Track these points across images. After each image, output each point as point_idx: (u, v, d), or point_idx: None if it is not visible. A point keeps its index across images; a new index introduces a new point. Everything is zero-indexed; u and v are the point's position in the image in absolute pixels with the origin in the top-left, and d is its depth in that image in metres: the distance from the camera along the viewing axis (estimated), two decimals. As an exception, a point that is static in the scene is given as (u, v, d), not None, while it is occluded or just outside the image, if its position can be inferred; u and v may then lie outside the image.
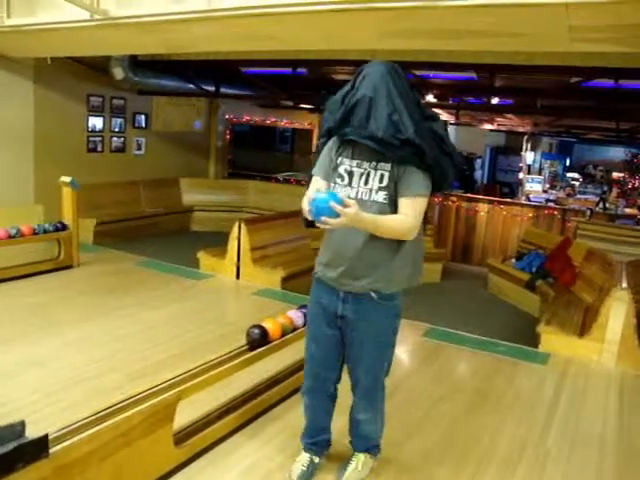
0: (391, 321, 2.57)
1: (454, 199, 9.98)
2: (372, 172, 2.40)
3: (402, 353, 4.87)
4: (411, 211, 2.34)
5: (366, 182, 2.41)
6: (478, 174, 17.67)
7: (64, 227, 6.45)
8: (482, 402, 3.89)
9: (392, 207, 2.39)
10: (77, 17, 5.29)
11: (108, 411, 2.44)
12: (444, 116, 11.31)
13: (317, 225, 2.28)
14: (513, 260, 7.95)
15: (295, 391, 3.60)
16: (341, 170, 2.47)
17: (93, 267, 6.70)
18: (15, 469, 2.01)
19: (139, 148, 9.77)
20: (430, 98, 9.68)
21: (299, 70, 8.27)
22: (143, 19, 5.02)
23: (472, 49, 5.23)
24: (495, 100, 8.62)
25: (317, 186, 2.53)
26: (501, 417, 3.68)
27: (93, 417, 2.38)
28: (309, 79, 9.42)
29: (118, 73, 8.31)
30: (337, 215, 2.16)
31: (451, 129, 12.56)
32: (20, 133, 7.95)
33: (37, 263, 6.30)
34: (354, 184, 2.43)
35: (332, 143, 2.55)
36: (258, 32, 4.93)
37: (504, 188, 16.37)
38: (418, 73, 7.97)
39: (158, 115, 10.08)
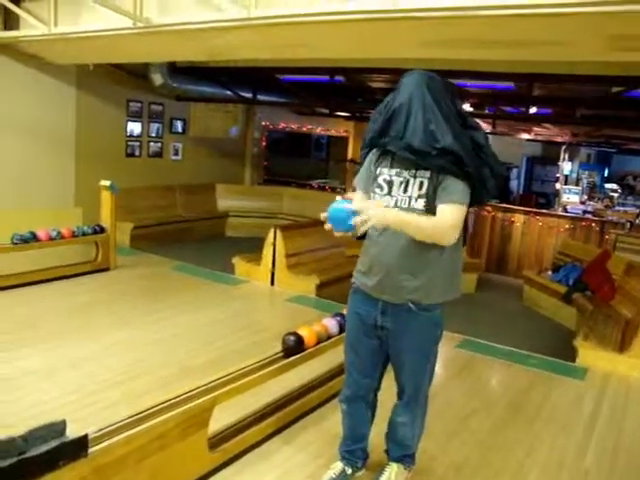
0: (432, 332, 2.54)
1: (489, 209, 9.86)
2: (411, 180, 2.38)
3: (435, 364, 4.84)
4: (448, 215, 2.29)
5: (405, 190, 2.39)
6: (514, 184, 17.46)
7: (102, 230, 6.57)
8: (516, 416, 3.83)
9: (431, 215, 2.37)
10: (120, 25, 5.41)
11: (145, 414, 2.47)
12: (480, 125, 11.23)
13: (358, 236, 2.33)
14: (549, 272, 7.83)
15: (330, 398, 3.61)
16: (380, 180, 2.46)
17: (129, 270, 6.81)
18: (57, 467, 2.05)
19: (176, 153, 9.91)
20: (467, 107, 9.63)
21: (336, 78, 8.29)
22: (184, 27, 5.10)
23: (511, 58, 5.19)
24: (533, 110, 8.51)
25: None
26: (536, 433, 3.61)
27: (130, 419, 2.41)
28: (346, 87, 9.43)
29: (157, 79, 8.45)
30: (352, 224, 2.19)
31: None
32: (62, 137, 8.14)
33: (76, 265, 6.43)
34: (393, 193, 2.41)
35: (372, 155, 2.56)
36: (296, 40, 4.97)
37: (540, 199, 16.14)
38: (456, 82, 7.92)
39: (195, 121, 10.21)
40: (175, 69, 8.55)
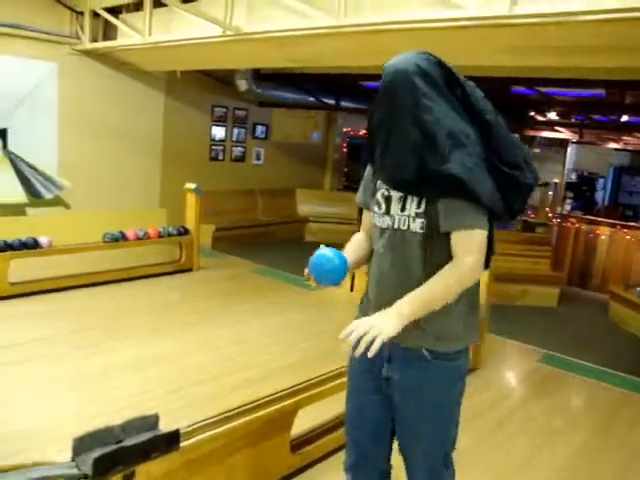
0: (452, 388, 1.94)
1: (573, 220, 9.54)
2: (409, 196, 1.88)
3: (514, 377, 4.73)
4: (464, 248, 1.79)
5: (403, 208, 1.89)
6: (599, 195, 16.80)
7: (187, 231, 6.78)
8: (604, 441, 3.66)
9: (430, 241, 1.85)
10: (210, 33, 5.59)
11: (232, 413, 2.54)
12: (566, 134, 10.88)
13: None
14: (638, 288, 7.49)
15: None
16: (378, 196, 1.97)
17: (211, 271, 7.00)
18: (150, 457, 2.14)
19: (258, 158, 10.11)
20: (552, 116, 9.37)
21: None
22: (272, 34, 5.22)
23: (604, 65, 5.01)
24: (625, 117, 8.18)
25: (365, 216, 2.13)
26: (627, 463, 3.41)
27: (218, 417, 2.48)
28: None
29: (242, 85, 8.66)
30: (341, 276, 1.88)
31: (571, 148, 12.04)
32: (150, 141, 8.47)
33: (161, 264, 6.67)
34: (392, 211, 1.92)
35: (371, 166, 2.07)
36: (385, 48, 4.97)
37: (627, 211, 15.44)
38: (544, 90, 7.73)
39: (277, 126, 10.39)
40: (259, 75, 8.74)
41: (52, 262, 5.89)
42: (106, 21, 7.21)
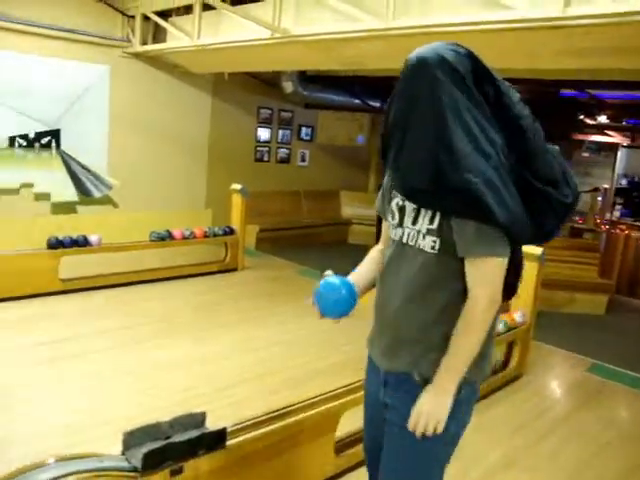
0: (446, 424, 1.66)
1: (623, 227, 9.31)
2: (423, 208, 1.67)
3: (562, 386, 4.63)
4: (476, 280, 1.58)
5: (415, 221, 1.67)
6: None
7: (232, 231, 6.85)
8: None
9: (442, 263, 1.63)
10: (258, 35, 5.64)
11: (278, 413, 2.55)
12: (617, 138, 10.62)
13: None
14: (691, 298, 7.25)
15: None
16: (393, 205, 1.76)
17: (256, 272, 7.05)
18: (197, 454, 2.17)
19: (303, 159, 10.15)
20: (602, 119, 9.17)
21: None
22: (319, 37, 5.23)
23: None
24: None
25: (383, 231, 1.93)
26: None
27: (264, 417, 2.50)
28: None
29: (288, 87, 8.70)
30: (347, 308, 1.71)
31: (622, 152, 11.72)
32: (197, 142, 8.59)
33: (206, 264, 6.76)
34: (405, 223, 1.71)
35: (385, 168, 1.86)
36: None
37: (681, 217, 14.98)
38: (593, 92, 7.57)
39: (322, 128, 10.40)
40: (305, 77, 8.77)
41: (100, 259, 6.02)
42: (156, 24, 7.35)
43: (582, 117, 9.52)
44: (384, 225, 1.91)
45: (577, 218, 9.92)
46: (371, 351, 1.88)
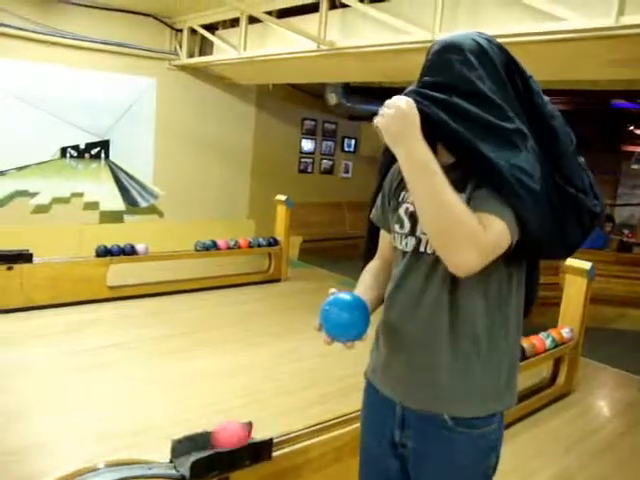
0: (481, 463, 1.52)
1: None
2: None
3: (613, 406, 4.50)
4: (485, 224, 1.32)
5: None
6: None
7: (276, 242, 6.88)
8: None
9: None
10: (304, 48, 5.68)
11: (322, 426, 2.55)
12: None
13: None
14: None
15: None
16: (401, 212, 1.56)
17: (299, 283, 7.06)
18: (243, 465, 2.17)
19: (346, 171, 10.18)
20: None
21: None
22: (365, 49, 5.24)
23: None
24: None
25: (383, 240, 1.72)
26: None
27: (309, 430, 2.50)
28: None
29: (332, 99, 8.74)
30: (362, 330, 1.44)
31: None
32: (241, 153, 8.70)
33: (250, 274, 6.81)
34: (418, 231, 1.50)
35: (392, 173, 1.66)
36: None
37: None
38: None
39: (366, 140, 10.41)
40: (349, 89, 8.80)
41: (144, 268, 6.12)
42: (203, 37, 7.49)
43: (632, 128, 9.31)
44: (383, 237, 1.71)
45: (626, 232, 9.67)
46: (376, 380, 1.63)
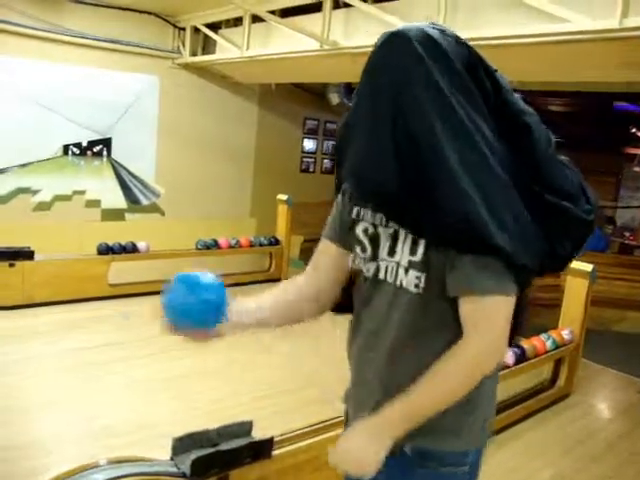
0: None
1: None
2: (402, 233, 1.26)
3: (613, 408, 4.50)
4: (474, 323, 1.19)
5: (392, 250, 1.28)
6: None
7: (277, 242, 6.89)
8: None
9: (429, 308, 1.24)
10: (307, 47, 5.68)
11: (322, 425, 2.55)
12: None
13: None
14: None
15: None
16: (359, 231, 1.35)
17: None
18: (244, 463, 2.18)
19: (347, 171, 10.17)
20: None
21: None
22: (368, 49, 5.21)
23: None
24: None
25: (322, 253, 1.50)
26: None
27: (309, 428, 2.50)
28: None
29: (334, 98, 8.75)
30: (214, 318, 1.32)
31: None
32: (243, 152, 8.70)
33: (251, 273, 6.80)
34: (380, 255, 1.30)
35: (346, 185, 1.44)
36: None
37: None
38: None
39: (367, 140, 10.40)
40: (352, 89, 8.79)
41: (144, 266, 6.12)
42: (206, 36, 7.49)
43: (634, 130, 9.31)
44: (325, 247, 1.48)
45: (628, 234, 9.67)
46: (348, 414, 1.51)
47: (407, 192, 1.18)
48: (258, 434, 2.27)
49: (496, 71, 1.26)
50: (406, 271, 1.24)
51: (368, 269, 1.34)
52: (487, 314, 1.18)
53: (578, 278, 4.21)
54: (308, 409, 3.48)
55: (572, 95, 6.76)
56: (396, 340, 1.27)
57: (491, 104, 1.23)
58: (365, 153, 1.24)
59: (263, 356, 4.60)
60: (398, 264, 1.26)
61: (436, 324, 1.24)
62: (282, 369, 4.37)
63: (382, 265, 1.29)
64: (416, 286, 1.23)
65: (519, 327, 1.30)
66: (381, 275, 1.30)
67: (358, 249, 1.36)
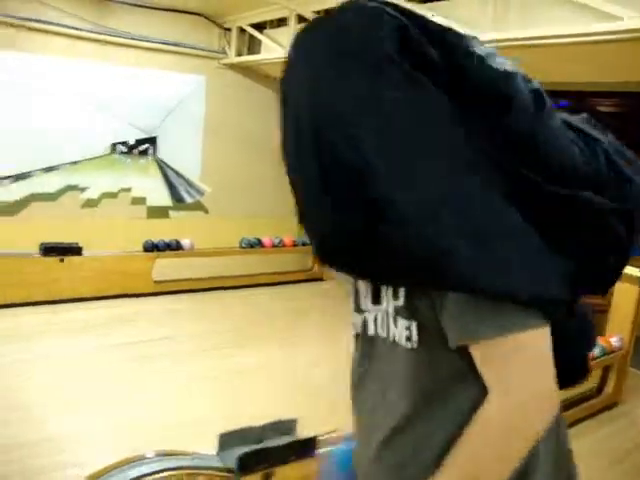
0: None
1: None
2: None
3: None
4: (497, 377, 0.87)
5: (376, 298, 1.02)
6: None
7: (317, 241, 6.88)
8: None
9: (432, 365, 0.94)
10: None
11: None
12: None
13: None
14: None
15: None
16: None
17: (340, 282, 7.03)
18: (288, 460, 2.19)
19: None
20: None
21: (562, 102, 7.91)
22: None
23: None
24: None
25: None
26: None
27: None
28: (573, 111, 8.96)
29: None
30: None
31: None
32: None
33: (294, 272, 6.84)
34: (362, 304, 1.07)
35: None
36: (531, 64, 4.81)
37: None
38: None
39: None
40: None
41: (188, 263, 6.21)
42: (251, 36, 7.55)
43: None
44: None
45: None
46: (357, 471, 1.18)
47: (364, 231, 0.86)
48: (309, 432, 2.28)
49: (448, 31, 0.90)
50: (395, 320, 0.96)
51: (356, 324, 1.09)
52: (506, 360, 0.85)
53: (627, 283, 4.10)
54: (340, 410, 3.46)
55: (624, 95, 6.59)
56: (403, 419, 0.97)
57: (446, 82, 0.85)
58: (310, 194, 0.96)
59: (309, 355, 4.60)
60: (387, 313, 0.98)
61: (450, 382, 0.93)
62: (322, 368, 4.34)
63: (369, 316, 1.03)
64: (408, 339, 0.94)
65: (587, 345, 1.06)
66: (370, 329, 1.03)
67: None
